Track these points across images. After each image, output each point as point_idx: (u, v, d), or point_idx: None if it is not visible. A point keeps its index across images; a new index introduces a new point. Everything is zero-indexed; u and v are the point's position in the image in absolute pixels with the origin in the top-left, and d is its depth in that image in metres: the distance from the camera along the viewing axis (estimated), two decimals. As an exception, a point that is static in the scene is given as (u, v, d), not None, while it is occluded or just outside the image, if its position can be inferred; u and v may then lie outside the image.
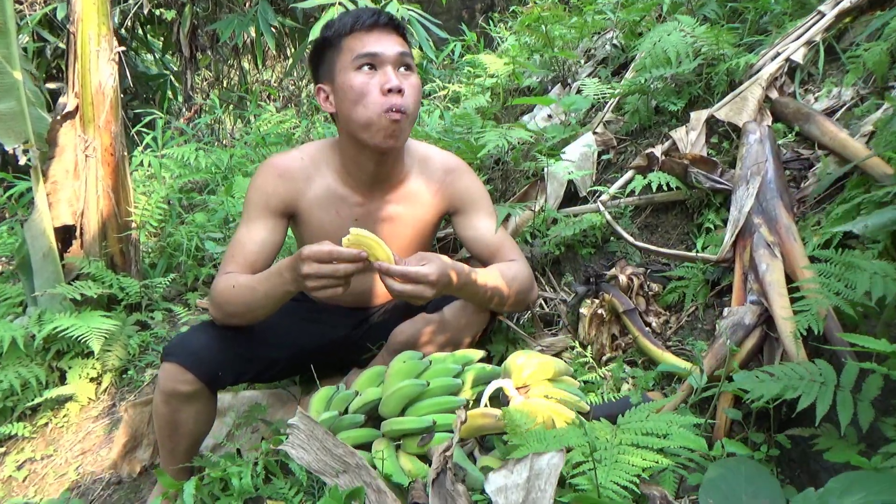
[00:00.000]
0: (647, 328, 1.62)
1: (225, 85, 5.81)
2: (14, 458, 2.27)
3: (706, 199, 1.78)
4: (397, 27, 1.54)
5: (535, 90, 2.98)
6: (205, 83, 5.82)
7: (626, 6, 2.57)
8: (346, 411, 1.45)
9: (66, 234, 2.79)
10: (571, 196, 2.13)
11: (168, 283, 2.84)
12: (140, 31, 5.85)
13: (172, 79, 5.99)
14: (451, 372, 1.43)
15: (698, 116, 1.96)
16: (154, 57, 6.44)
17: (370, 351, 1.86)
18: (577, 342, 1.68)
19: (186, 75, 5.75)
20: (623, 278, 1.65)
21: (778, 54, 1.94)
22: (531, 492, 0.89)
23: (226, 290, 1.52)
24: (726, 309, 1.42)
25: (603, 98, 2.30)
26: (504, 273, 1.55)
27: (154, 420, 1.71)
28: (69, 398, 2.45)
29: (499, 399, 1.40)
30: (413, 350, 1.70)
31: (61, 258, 2.71)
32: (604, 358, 1.62)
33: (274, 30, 4.93)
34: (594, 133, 2.19)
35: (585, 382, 1.56)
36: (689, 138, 1.94)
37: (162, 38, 5.93)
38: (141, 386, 2.48)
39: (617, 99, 2.27)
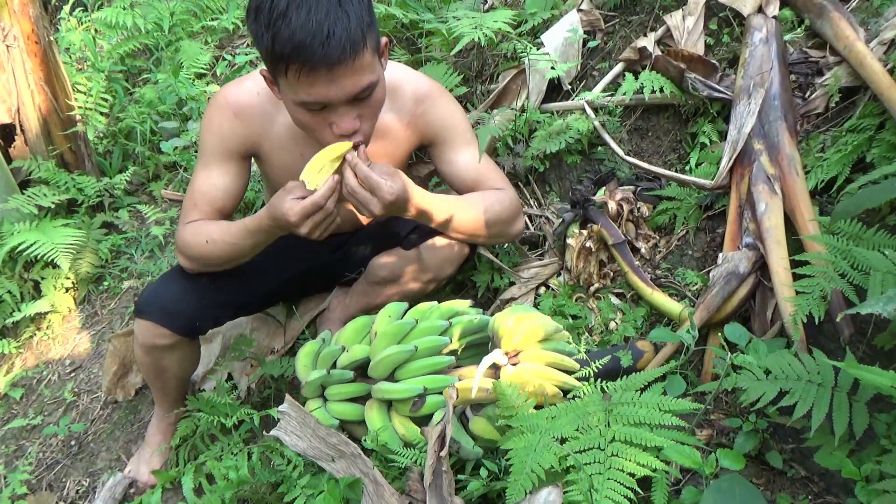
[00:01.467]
0: (637, 260, 1.57)
1: None
2: (6, 376, 2.29)
3: (702, 106, 1.64)
4: (353, 52, 1.15)
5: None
6: None
7: None
8: (333, 366, 1.43)
9: (4, 133, 2.56)
10: (555, 88, 1.96)
11: (128, 176, 2.68)
12: None
13: None
14: (438, 329, 1.40)
15: (697, -1, 1.75)
16: None
17: (348, 276, 1.82)
18: (564, 269, 1.64)
19: None
20: (612, 205, 1.57)
21: (792, -81, 1.68)
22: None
23: (198, 245, 1.44)
24: (721, 255, 1.37)
25: (589, -37, 2.02)
26: (480, 201, 1.47)
27: (138, 366, 1.70)
28: (49, 310, 2.42)
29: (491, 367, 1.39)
30: (395, 285, 1.67)
31: (8, 161, 2.52)
32: (591, 288, 1.59)
33: None
34: (579, 10, 1.96)
35: (574, 318, 1.55)
36: (686, 25, 1.74)
37: None
38: (119, 293, 2.44)
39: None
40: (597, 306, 1.56)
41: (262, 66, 1.29)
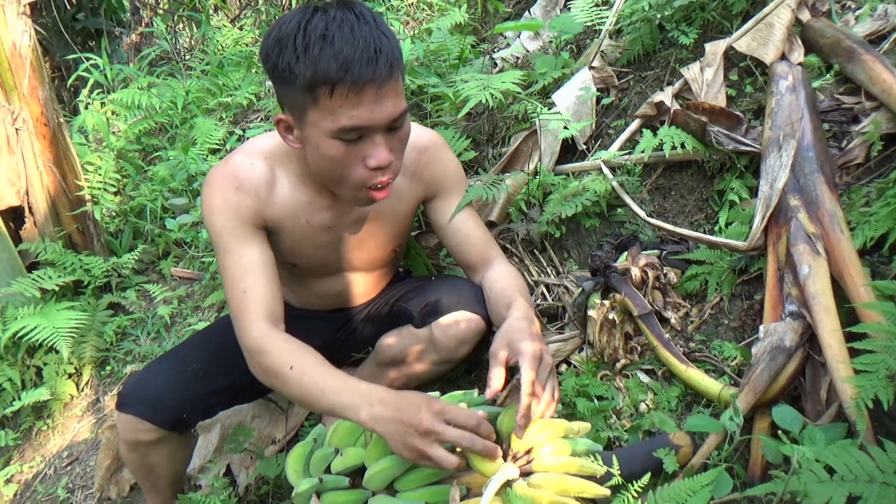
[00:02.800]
0: (666, 331, 1.42)
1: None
2: (3, 471, 2.17)
3: (728, 161, 1.51)
4: (397, 71, 1.13)
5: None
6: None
7: None
8: (327, 470, 1.28)
9: (14, 217, 2.53)
10: (569, 148, 1.85)
11: (137, 255, 2.62)
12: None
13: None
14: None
15: (714, 49, 1.64)
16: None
17: (354, 356, 1.68)
18: (586, 344, 1.49)
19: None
20: (636, 272, 1.43)
21: (812, -37, 1.59)
22: None
23: (280, 363, 1.22)
24: (762, 328, 1.21)
25: (598, 22, 1.95)
26: (520, 289, 1.38)
27: (124, 462, 1.57)
28: (50, 398, 2.32)
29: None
30: (403, 367, 1.53)
31: (16, 243, 2.48)
32: (618, 364, 1.43)
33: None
34: (591, 68, 1.87)
35: (600, 398, 1.38)
36: (705, 77, 1.64)
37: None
38: (122, 378, 2.34)
39: (615, 22, 1.92)
40: (625, 385, 1.40)
41: (278, 114, 1.22)
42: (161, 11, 4.95)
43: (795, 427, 1.08)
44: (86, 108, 3.24)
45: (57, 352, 2.34)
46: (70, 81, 3.55)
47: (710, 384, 1.27)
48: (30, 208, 2.50)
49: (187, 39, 4.63)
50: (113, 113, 3.30)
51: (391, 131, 1.18)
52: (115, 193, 3.02)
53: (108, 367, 2.35)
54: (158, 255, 2.78)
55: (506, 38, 2.56)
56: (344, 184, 1.23)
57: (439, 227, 1.50)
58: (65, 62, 4.31)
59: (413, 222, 1.57)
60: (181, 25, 4.65)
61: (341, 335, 1.68)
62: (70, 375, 2.38)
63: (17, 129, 2.36)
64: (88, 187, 2.54)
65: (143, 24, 5.11)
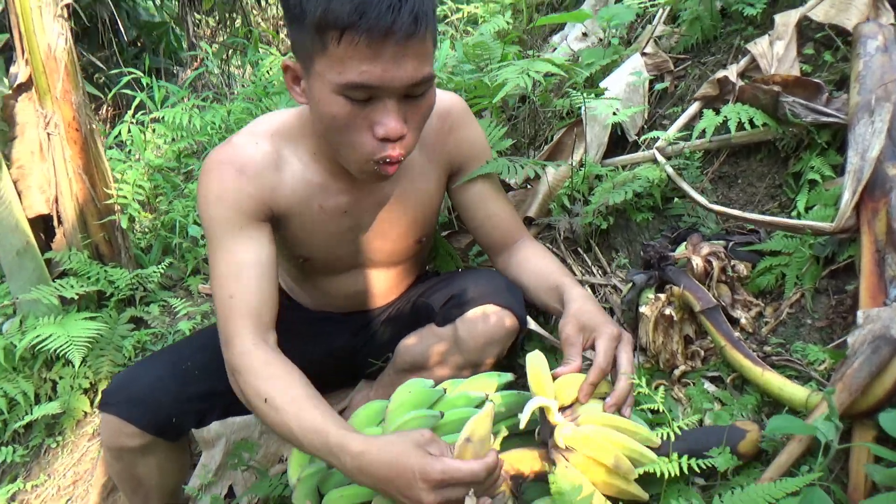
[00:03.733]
0: (736, 331, 1.18)
1: (230, 30, 5.35)
2: (6, 488, 2.03)
3: (806, 137, 1.29)
4: (424, 28, 0.94)
5: (565, 4, 2.45)
6: (207, 27, 5.37)
7: None
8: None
9: (45, 226, 2.48)
10: (618, 140, 1.66)
11: (164, 269, 2.51)
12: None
13: (174, 25, 5.55)
14: (473, 401, 1.07)
15: (785, 20, 1.45)
16: (154, 3, 5.99)
17: (374, 364, 1.49)
18: (638, 349, 1.27)
19: (187, 20, 5.31)
20: (698, 262, 1.21)
21: (900, -81, 1.39)
22: None
23: (254, 393, 1.06)
24: (861, 312, 0.97)
25: (652, 6, 1.78)
26: (561, 267, 1.26)
27: (111, 474, 1.40)
28: (63, 413, 2.20)
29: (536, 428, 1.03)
30: (423, 372, 1.33)
31: (44, 252, 2.41)
32: (676, 371, 1.20)
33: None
34: (643, 55, 1.69)
35: (654, 412, 1.15)
36: (775, 51, 1.43)
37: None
38: (138, 394, 2.20)
39: (671, 6, 1.75)
40: (685, 395, 1.16)
41: (286, 58, 1.07)
42: (216, 47, 5.05)
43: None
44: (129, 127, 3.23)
45: (74, 365, 2.23)
46: (111, 95, 3.56)
47: (793, 390, 1.03)
48: (59, 217, 2.43)
49: (236, 71, 4.68)
50: (154, 131, 3.29)
51: (408, 98, 1.01)
52: (149, 209, 2.97)
53: (123, 382, 2.22)
54: (187, 271, 2.67)
55: (551, 43, 2.42)
56: (347, 152, 1.06)
57: (461, 204, 1.33)
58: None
59: (440, 208, 1.40)
60: (232, 57, 4.72)
61: (359, 340, 1.50)
62: (85, 391, 2.25)
63: (48, 134, 2.32)
64: (118, 195, 2.47)
65: (198, 61, 5.22)
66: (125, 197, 2.48)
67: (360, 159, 1.05)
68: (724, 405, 1.11)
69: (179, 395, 1.25)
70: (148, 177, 2.83)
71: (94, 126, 2.42)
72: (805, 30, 1.45)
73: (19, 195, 2.38)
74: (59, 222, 2.44)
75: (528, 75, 1.53)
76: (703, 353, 1.21)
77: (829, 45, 1.41)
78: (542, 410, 1.03)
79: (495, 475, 0.92)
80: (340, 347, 1.49)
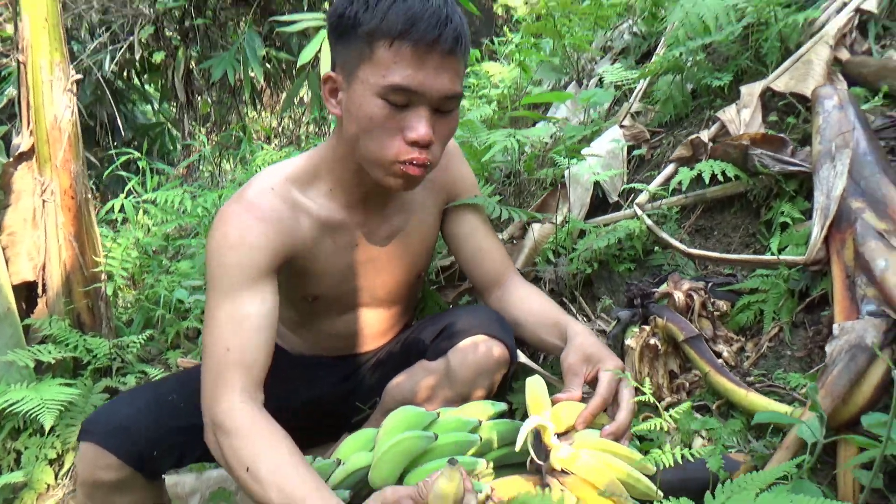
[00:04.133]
0: (719, 360, 1.21)
1: (223, 129, 5.58)
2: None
3: (775, 187, 1.38)
4: (463, 49, 1.08)
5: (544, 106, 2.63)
6: (203, 129, 5.59)
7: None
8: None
9: (28, 293, 2.47)
10: (599, 203, 1.74)
11: (144, 340, 2.48)
12: (137, 81, 5.67)
13: (170, 127, 5.78)
14: (466, 426, 1.06)
15: (750, 91, 1.58)
16: (152, 107, 6.26)
17: (362, 411, 1.47)
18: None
19: (184, 121, 5.53)
20: (679, 296, 1.25)
21: (844, 4, 1.56)
22: None
23: (236, 460, 1.04)
24: (836, 325, 1.01)
25: (628, 86, 1.94)
26: (556, 306, 1.27)
27: (81, 518, 1.33)
28: (25, 484, 2.09)
29: (533, 448, 1.02)
30: (412, 407, 1.32)
31: (23, 319, 2.38)
32: (662, 402, 1.21)
33: (267, 64, 4.69)
34: (621, 126, 1.82)
35: (641, 440, 1.15)
36: (742, 118, 1.56)
37: (160, 87, 5.74)
38: (107, 464, 2.10)
39: (645, 84, 1.90)
40: (673, 420, 1.16)
41: (326, 72, 1.14)
42: (212, 141, 5.24)
43: (896, 435, 0.85)
44: (121, 205, 3.30)
45: (41, 434, 2.16)
46: (107, 173, 3.64)
47: (777, 408, 1.04)
48: (44, 285, 2.43)
49: (229, 167, 4.84)
50: (145, 213, 3.35)
51: (439, 113, 1.10)
52: (133, 286, 2.97)
53: (93, 450, 2.13)
54: (168, 345, 2.64)
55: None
56: (377, 153, 1.10)
57: (452, 237, 1.38)
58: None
59: (436, 242, 1.44)
60: (223, 155, 4.89)
61: (348, 386, 1.48)
62: (51, 462, 2.16)
63: (43, 202, 2.37)
64: (105, 264, 2.48)
65: (195, 150, 5.38)
66: (112, 266, 2.49)
67: (388, 160, 1.10)
68: (710, 431, 1.12)
69: (160, 427, 1.22)
70: (136, 253, 2.85)
71: (88, 195, 2.48)
72: (768, 100, 1.58)
73: (7, 262, 2.39)
74: (44, 290, 2.44)
75: (516, 139, 1.64)
76: (688, 385, 1.22)
77: (789, 112, 1.53)
78: (537, 434, 1.03)
79: None
80: (329, 393, 1.47)
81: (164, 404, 1.25)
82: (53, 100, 2.33)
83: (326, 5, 4.46)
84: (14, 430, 2.18)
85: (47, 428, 1.98)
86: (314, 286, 1.31)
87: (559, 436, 1.03)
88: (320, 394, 1.47)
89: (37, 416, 2.00)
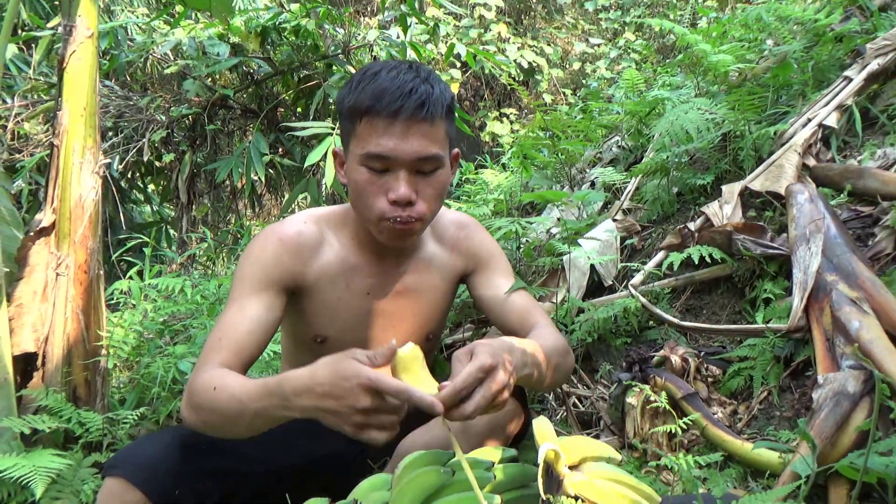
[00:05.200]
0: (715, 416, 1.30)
1: (221, 228, 5.74)
2: None
3: (758, 269, 1.53)
4: (430, 114, 1.18)
5: (540, 206, 2.83)
6: (200, 229, 5.75)
7: (632, 106, 2.48)
8: (337, 532, 1.09)
9: (26, 365, 2.48)
10: (595, 288, 1.88)
11: (136, 418, 2.48)
12: (140, 183, 5.88)
13: (168, 227, 5.93)
14: (481, 465, 1.11)
15: (731, 189, 1.77)
16: (151, 208, 6.45)
17: (372, 471, 1.50)
18: (626, 447, 1.35)
19: (182, 221, 5.70)
20: (676, 359, 1.36)
21: (809, 121, 1.79)
22: None
23: (204, 391, 1.15)
24: (821, 377, 1.12)
25: (619, 187, 2.13)
26: (546, 340, 1.27)
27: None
28: (2, 559, 2.02)
29: (545, 481, 1.07)
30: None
31: (18, 390, 2.39)
32: (662, 461, 1.28)
33: (270, 170, 4.93)
34: (614, 220, 1.99)
35: (644, 490, 1.21)
36: (724, 212, 1.73)
37: (161, 188, 5.95)
38: (90, 540, 2.05)
39: (635, 184, 2.10)
40: (675, 475, 1.23)
41: (334, 148, 1.30)
42: (205, 246, 5.37)
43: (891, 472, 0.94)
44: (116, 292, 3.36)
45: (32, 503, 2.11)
46: (117, 255, 3.72)
47: (771, 456, 1.13)
48: (44, 357, 2.46)
49: (223, 264, 4.95)
50: (145, 297, 3.41)
51: (420, 174, 1.22)
52: (129, 369, 2.99)
53: (78, 526, 2.09)
54: (158, 425, 2.63)
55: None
56: (368, 213, 1.25)
57: (481, 299, 1.45)
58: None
59: (449, 308, 1.54)
60: (219, 255, 5.01)
61: (358, 446, 1.52)
62: (32, 536, 2.10)
63: (57, 275, 2.45)
64: (108, 339, 2.53)
65: (183, 259, 5.50)
66: (113, 344, 2.53)
67: (375, 218, 1.24)
68: (707, 481, 1.19)
69: (184, 468, 1.26)
70: (134, 335, 2.89)
71: (101, 272, 2.56)
72: (746, 199, 1.77)
73: (11, 332, 2.43)
74: (43, 363, 2.46)
75: (520, 224, 1.79)
76: (686, 443, 1.30)
77: (765, 209, 1.71)
78: (548, 468, 1.09)
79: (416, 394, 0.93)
80: (338, 451, 1.50)
81: (188, 446, 1.29)
82: (81, 180, 2.47)
83: (331, 120, 4.78)
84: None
85: (38, 494, 1.95)
86: (324, 326, 1.39)
87: (569, 469, 1.09)
88: (329, 452, 1.51)
89: (28, 483, 1.98)
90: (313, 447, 1.48)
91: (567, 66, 8.55)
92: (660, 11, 8.29)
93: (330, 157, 3.66)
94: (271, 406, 1.05)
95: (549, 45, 8.50)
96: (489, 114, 7.76)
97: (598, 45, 8.40)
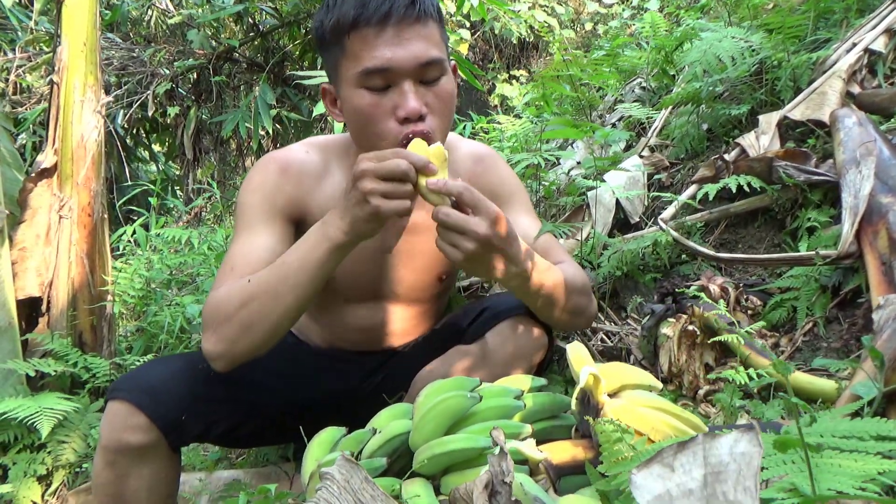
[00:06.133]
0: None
1: (227, 186, 5.65)
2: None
3: (800, 198, 1.44)
4: (423, 12, 1.08)
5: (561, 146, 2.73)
6: (212, 179, 5.67)
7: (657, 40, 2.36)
8: (359, 455, 1.03)
9: (31, 309, 2.42)
10: (622, 225, 1.79)
11: (143, 361, 2.43)
12: (145, 139, 5.78)
13: (173, 185, 5.85)
14: (511, 393, 1.04)
15: (768, 119, 1.67)
16: (157, 167, 6.35)
17: (387, 404, 1.44)
18: (657, 377, 1.27)
19: (188, 179, 5.61)
20: (715, 289, 1.28)
21: (854, 45, 1.68)
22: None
23: (233, 294, 1.10)
24: (881, 297, 1.04)
25: (644, 126, 2.03)
26: (563, 271, 1.19)
27: (93, 496, 1.27)
28: (9, 502, 1.98)
29: (573, 425, 1.00)
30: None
31: (23, 335, 2.33)
32: (699, 392, 1.21)
33: (277, 125, 4.82)
34: (640, 157, 1.89)
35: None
36: (761, 143, 1.63)
37: (167, 146, 5.85)
38: (99, 483, 2.01)
39: (662, 120, 2.00)
40: (714, 406, 1.16)
41: (322, 84, 1.19)
42: (211, 197, 5.30)
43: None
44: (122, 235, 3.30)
45: (36, 450, 2.07)
46: (121, 202, 3.65)
47: (823, 384, 1.05)
48: (48, 302, 2.40)
49: (229, 218, 4.86)
50: (152, 248, 3.35)
51: (424, 84, 1.10)
52: (136, 318, 2.93)
53: (85, 467, 2.04)
54: (167, 373, 2.58)
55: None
56: (376, 140, 1.12)
57: None
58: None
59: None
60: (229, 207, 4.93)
61: (373, 379, 1.46)
62: (40, 478, 2.05)
63: (60, 217, 2.37)
64: (113, 283, 2.46)
65: (192, 214, 5.43)
66: (123, 283, 2.47)
67: (388, 143, 1.11)
68: (750, 413, 1.11)
69: (191, 393, 1.19)
70: (140, 283, 2.83)
71: (105, 215, 2.49)
72: (784, 131, 1.67)
73: (14, 276, 2.36)
74: (48, 308, 2.40)
75: (541, 155, 1.70)
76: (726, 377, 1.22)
77: (804, 139, 1.61)
78: (584, 396, 1.02)
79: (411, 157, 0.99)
80: (352, 386, 1.44)
81: (196, 372, 1.23)
82: (83, 119, 2.38)
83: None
84: (3, 443, 2.08)
85: (44, 434, 1.91)
86: None
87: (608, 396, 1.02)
88: (343, 387, 1.44)
89: (34, 423, 1.93)
90: (322, 384, 1.42)
91: (578, 28, 8.33)
92: (675, -32, 8.05)
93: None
94: (322, 250, 1.06)
95: (560, 4, 8.28)
96: (498, 76, 7.58)
97: (612, 5, 8.18)
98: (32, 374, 2.12)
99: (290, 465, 1.51)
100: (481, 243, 1.00)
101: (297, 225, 1.27)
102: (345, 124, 1.22)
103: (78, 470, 2.09)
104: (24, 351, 2.31)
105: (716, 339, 1.14)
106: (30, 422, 1.93)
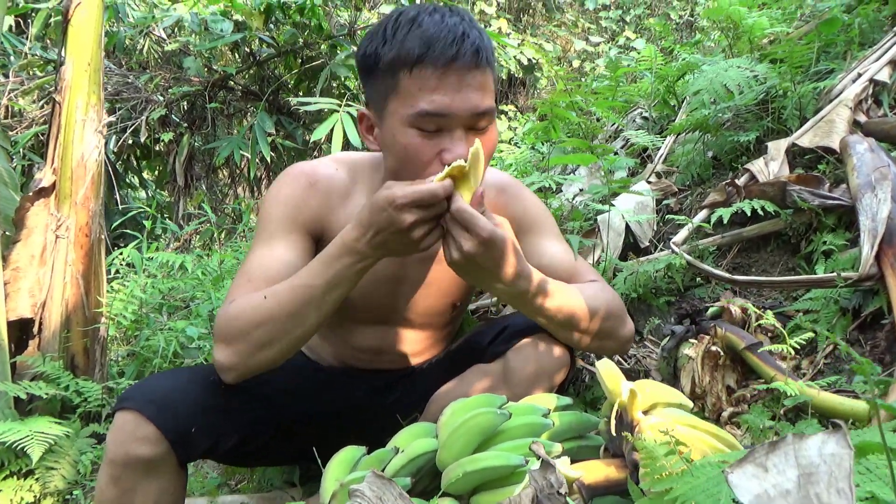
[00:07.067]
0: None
1: (218, 214, 5.61)
2: None
3: (815, 221, 1.44)
4: (485, 61, 1.07)
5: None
6: (198, 213, 5.63)
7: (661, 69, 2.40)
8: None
9: (21, 332, 2.36)
10: (631, 250, 1.79)
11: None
12: (136, 165, 5.74)
13: (164, 213, 5.79)
14: (538, 411, 1.02)
15: (777, 146, 1.69)
16: (147, 194, 6.30)
17: (400, 425, 1.40)
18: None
19: (179, 206, 5.56)
20: (735, 310, 1.27)
21: (859, 76, 1.71)
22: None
23: (250, 309, 1.08)
24: (909, 316, 1.04)
25: (647, 154, 2.05)
26: (583, 291, 1.17)
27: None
28: (-7, 527, 1.90)
29: (601, 445, 0.98)
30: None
31: (12, 357, 2.26)
32: (723, 414, 1.19)
33: (272, 153, 4.82)
34: (647, 182, 1.90)
35: (709, 442, 1.11)
36: (770, 169, 1.65)
37: (157, 173, 5.81)
38: (89, 512, 1.94)
39: (668, 147, 2.01)
40: (740, 428, 1.14)
41: (360, 110, 1.18)
42: (205, 220, 5.25)
43: None
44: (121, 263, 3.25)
45: (24, 476, 2.00)
46: (116, 224, 3.60)
47: (853, 404, 1.04)
48: (40, 324, 2.34)
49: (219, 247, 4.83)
50: (145, 272, 3.29)
51: (473, 131, 1.09)
52: (127, 343, 2.87)
53: (75, 494, 1.97)
54: (159, 399, 2.52)
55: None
56: (416, 179, 1.09)
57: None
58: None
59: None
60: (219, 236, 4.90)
61: (388, 397, 1.42)
62: (26, 506, 1.98)
63: (56, 237, 2.33)
64: (107, 305, 2.41)
65: (180, 242, 5.37)
66: (117, 307, 2.42)
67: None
68: (784, 431, 1.10)
69: (202, 404, 1.16)
70: (134, 307, 2.78)
71: (102, 235, 2.45)
72: (792, 157, 1.69)
73: (6, 297, 2.31)
74: (39, 329, 2.34)
75: (552, 179, 1.70)
76: (748, 396, 1.21)
77: (812, 166, 1.63)
78: (619, 416, 1.00)
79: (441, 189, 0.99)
80: (358, 405, 1.40)
81: (205, 384, 1.19)
82: (84, 138, 2.36)
83: (337, 99, 4.68)
84: (-11, 471, 2.01)
85: (35, 458, 1.84)
86: None
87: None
88: (356, 403, 1.41)
89: (24, 447, 1.87)
90: (332, 402, 1.38)
91: (566, 64, 8.48)
92: (660, 12, 8.27)
93: (337, 136, 3.56)
94: (343, 266, 1.05)
95: (548, 42, 8.44)
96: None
97: (598, 44, 8.35)
98: (23, 396, 2.05)
99: (297, 490, 1.46)
100: (466, 253, 1.02)
101: (317, 241, 1.25)
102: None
103: (67, 497, 2.01)
104: (13, 373, 2.24)
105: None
106: (20, 446, 1.86)
